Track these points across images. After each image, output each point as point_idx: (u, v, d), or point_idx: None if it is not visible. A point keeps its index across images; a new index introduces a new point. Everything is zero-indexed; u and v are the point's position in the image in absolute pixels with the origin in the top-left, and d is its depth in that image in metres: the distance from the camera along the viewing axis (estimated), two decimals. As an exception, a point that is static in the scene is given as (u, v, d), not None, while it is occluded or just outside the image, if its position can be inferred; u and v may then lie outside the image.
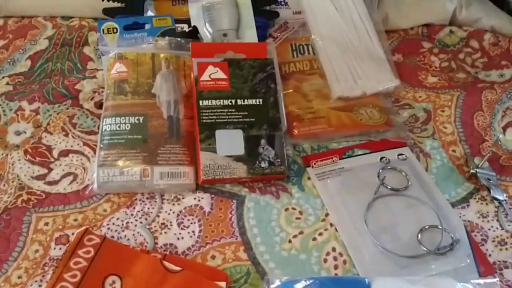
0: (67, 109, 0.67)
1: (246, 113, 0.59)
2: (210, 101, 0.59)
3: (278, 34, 0.74)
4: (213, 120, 0.58)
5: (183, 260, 0.50)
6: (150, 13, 0.72)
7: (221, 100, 0.59)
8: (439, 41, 0.79)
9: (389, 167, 0.60)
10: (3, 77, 0.73)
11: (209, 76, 0.60)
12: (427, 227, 0.54)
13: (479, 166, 0.60)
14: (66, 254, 0.47)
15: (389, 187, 0.58)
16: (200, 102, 0.59)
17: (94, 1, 0.77)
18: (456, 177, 0.60)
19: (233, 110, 0.59)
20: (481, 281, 0.48)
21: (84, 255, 0.47)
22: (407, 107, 0.69)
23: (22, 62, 0.75)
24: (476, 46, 0.78)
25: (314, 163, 0.60)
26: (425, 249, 0.52)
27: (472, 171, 0.60)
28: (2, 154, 0.62)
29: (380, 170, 0.59)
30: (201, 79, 0.60)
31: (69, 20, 0.82)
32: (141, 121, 0.58)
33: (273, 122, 0.60)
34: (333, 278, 0.49)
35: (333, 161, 0.60)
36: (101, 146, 0.57)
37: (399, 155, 0.62)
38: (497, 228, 0.55)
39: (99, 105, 0.65)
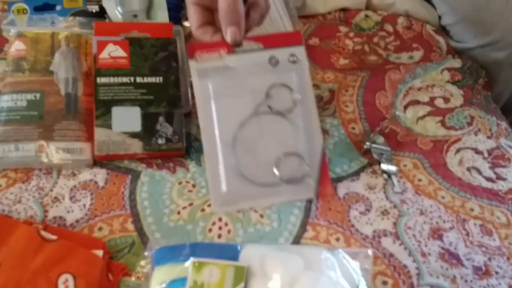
0: (-23, 88, 0.68)
1: (144, 90, 0.60)
2: (108, 78, 0.60)
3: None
4: (110, 97, 0.59)
5: (62, 230, 0.51)
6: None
7: (120, 78, 0.60)
8: (355, 25, 0.81)
9: (279, 82, 0.56)
10: None
11: (109, 54, 0.61)
12: (289, 154, 0.55)
13: (373, 141, 0.62)
14: None
15: (270, 105, 0.55)
16: (98, 79, 0.60)
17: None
18: (352, 153, 0.62)
19: (131, 88, 0.60)
20: (352, 250, 0.50)
21: (-39, 224, 0.48)
22: (314, 88, 0.70)
23: None
24: (390, 30, 0.80)
25: (199, 55, 0.55)
26: (277, 176, 0.54)
27: (366, 146, 0.62)
28: None
29: (268, 89, 0.55)
30: (100, 56, 0.61)
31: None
32: (37, 98, 0.59)
33: (172, 100, 0.61)
34: (208, 243, 0.51)
35: (220, 55, 0.55)
36: (-3, 123, 0.58)
37: (290, 55, 0.57)
38: (382, 199, 0.57)
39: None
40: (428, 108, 0.67)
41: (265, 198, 0.55)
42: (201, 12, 0.55)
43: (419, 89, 0.70)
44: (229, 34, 0.52)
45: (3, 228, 0.48)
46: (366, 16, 0.81)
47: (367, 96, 0.69)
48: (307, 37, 0.79)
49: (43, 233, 0.48)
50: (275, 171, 0.54)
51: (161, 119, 0.60)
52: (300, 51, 0.58)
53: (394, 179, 0.59)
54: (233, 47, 0.54)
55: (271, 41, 0.57)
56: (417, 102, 0.68)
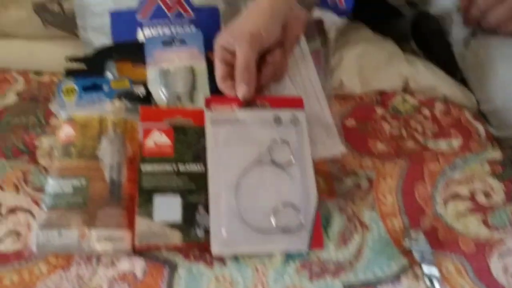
0: (23, 164, 0.69)
1: (186, 179, 0.61)
2: (152, 166, 0.61)
3: (234, 97, 0.77)
4: (153, 186, 0.60)
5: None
6: (110, 75, 0.76)
7: (163, 165, 0.61)
8: (392, 108, 0.81)
9: (280, 138, 0.63)
10: (-31, 130, 0.76)
11: (154, 142, 0.63)
12: (286, 205, 0.60)
13: (414, 239, 0.61)
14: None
15: (271, 158, 0.62)
16: (142, 167, 0.61)
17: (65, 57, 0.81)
18: (391, 250, 0.61)
19: (173, 176, 0.61)
20: None
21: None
22: (351, 175, 0.70)
23: (-11, 116, 0.79)
24: (428, 115, 0.80)
25: (214, 107, 0.63)
26: (273, 224, 0.58)
27: (406, 245, 0.61)
28: (-48, 210, 0.64)
29: (271, 142, 0.63)
30: (146, 144, 0.62)
31: (41, 75, 0.86)
32: (83, 184, 0.60)
33: (212, 189, 0.61)
34: None
35: (232, 109, 0.63)
36: (43, 207, 0.59)
37: (292, 117, 0.65)
38: (424, 307, 0.56)
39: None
40: (469, 204, 0.66)
41: (262, 245, 0.59)
42: (224, 67, 0.64)
43: (459, 181, 0.69)
44: (239, 91, 0.62)
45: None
46: (403, 99, 0.82)
47: (406, 187, 0.68)
48: (344, 118, 0.79)
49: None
50: (272, 219, 0.59)
51: (200, 208, 0.60)
52: (301, 115, 0.66)
53: (437, 285, 0.57)
54: (243, 102, 0.64)
55: (277, 103, 0.66)
56: (457, 196, 0.67)
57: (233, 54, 0.63)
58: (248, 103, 0.64)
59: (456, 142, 0.76)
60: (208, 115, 0.63)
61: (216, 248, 0.57)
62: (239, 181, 0.60)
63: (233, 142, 0.62)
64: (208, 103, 0.64)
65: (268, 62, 0.65)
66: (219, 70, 0.64)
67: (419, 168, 0.71)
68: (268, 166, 0.62)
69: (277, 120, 0.65)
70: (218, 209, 0.59)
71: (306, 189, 0.62)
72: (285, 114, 0.66)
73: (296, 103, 0.67)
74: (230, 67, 0.64)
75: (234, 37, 0.62)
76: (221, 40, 0.64)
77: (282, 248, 0.59)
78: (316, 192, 0.62)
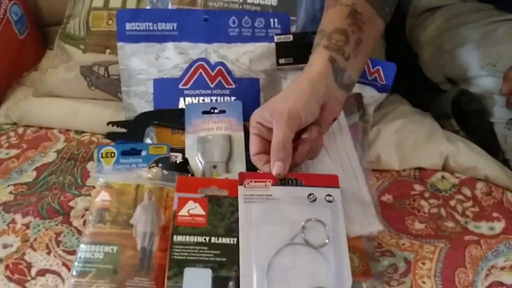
0: (56, 225, 0.70)
1: (218, 252, 0.60)
2: (184, 237, 0.60)
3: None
4: (184, 257, 0.59)
5: None
6: (149, 140, 0.77)
7: (195, 237, 0.61)
8: (431, 185, 0.79)
9: (315, 217, 0.62)
10: (8, 185, 0.78)
11: (188, 212, 0.62)
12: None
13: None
14: None
15: (305, 238, 0.60)
16: (175, 237, 0.60)
17: (106, 119, 0.84)
18: None
19: (205, 248, 0.60)
20: None
21: None
22: (388, 254, 0.68)
23: (29, 173, 0.80)
24: (468, 194, 0.77)
25: (248, 183, 0.63)
26: None
27: (446, 336, 0.57)
28: (-14, 268, 0.64)
29: (305, 222, 0.61)
30: (179, 214, 0.62)
31: (81, 135, 0.88)
32: (114, 251, 0.59)
33: (244, 264, 0.60)
34: None
35: (266, 185, 0.63)
36: (73, 273, 0.59)
37: (327, 195, 0.64)
38: None
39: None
40: (513, 293, 0.63)
41: None
42: (259, 142, 0.64)
43: (502, 268, 0.66)
44: (274, 168, 0.61)
45: None
46: (443, 177, 0.80)
47: (446, 273, 0.65)
48: (380, 193, 0.78)
49: None
50: None
51: (231, 284, 0.58)
52: (336, 193, 0.65)
53: None
54: (278, 179, 0.63)
55: (312, 180, 0.65)
56: (500, 284, 0.64)
57: (269, 130, 0.63)
58: (282, 179, 0.64)
59: (498, 226, 0.72)
60: (241, 191, 0.62)
61: None
62: (271, 262, 0.58)
63: (266, 220, 0.61)
64: (242, 178, 0.64)
65: (304, 139, 0.64)
66: (254, 144, 0.64)
67: (460, 252, 0.67)
68: (301, 247, 0.60)
69: (311, 198, 0.64)
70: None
71: (340, 271, 0.59)
72: (320, 192, 0.64)
73: (331, 181, 0.66)
74: (265, 142, 0.63)
75: (272, 115, 0.62)
76: (258, 116, 0.64)
77: None
78: (351, 276, 0.59)
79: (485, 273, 0.65)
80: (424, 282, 0.64)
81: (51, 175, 0.80)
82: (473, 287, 0.63)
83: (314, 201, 0.64)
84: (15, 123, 0.92)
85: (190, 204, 0.63)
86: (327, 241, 0.60)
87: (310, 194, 0.64)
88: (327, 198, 0.64)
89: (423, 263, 0.66)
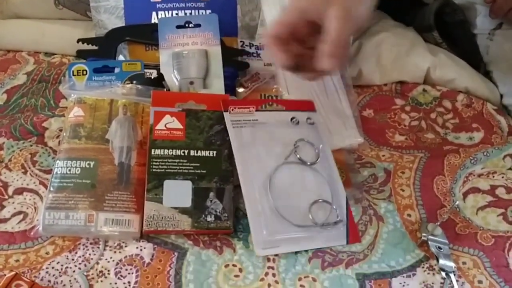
0: (31, 146, 0.68)
1: (197, 164, 0.59)
2: (162, 150, 0.59)
3: (249, 84, 0.75)
4: (163, 170, 0.58)
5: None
6: (121, 57, 0.74)
7: (174, 150, 0.60)
8: (412, 99, 0.78)
9: (305, 139, 0.64)
10: (-22, 110, 0.75)
11: (165, 126, 0.61)
12: (320, 200, 0.60)
13: (431, 232, 0.58)
14: (-9, 299, 0.47)
15: (298, 156, 0.62)
16: (152, 151, 0.59)
17: (77, 38, 0.80)
18: (407, 243, 0.59)
19: (184, 161, 0.59)
20: None
21: (9, 301, 0.47)
22: (368, 166, 0.68)
23: (-1, 96, 0.77)
24: (449, 107, 0.77)
25: (232, 109, 0.63)
26: (312, 220, 0.58)
27: (423, 238, 0.58)
28: (-39, 188, 0.63)
29: (296, 142, 0.63)
30: (156, 128, 0.61)
31: (51, 57, 0.85)
32: (91, 166, 0.58)
33: (224, 175, 0.60)
34: None
35: (250, 111, 0.63)
36: (51, 188, 0.58)
37: (308, 118, 0.66)
38: (440, 302, 0.53)
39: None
40: (489, 198, 0.64)
41: (302, 243, 0.57)
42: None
43: (479, 175, 0.67)
44: (329, 64, 0.54)
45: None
46: (424, 90, 0.79)
47: (425, 180, 0.66)
48: (361, 108, 0.77)
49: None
50: (310, 216, 0.58)
51: (211, 195, 0.58)
52: (315, 116, 0.67)
53: (453, 278, 0.55)
54: (260, 105, 0.64)
55: (291, 105, 0.67)
56: (477, 190, 0.65)
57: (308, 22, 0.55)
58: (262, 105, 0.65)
59: (477, 135, 0.73)
60: (227, 117, 0.62)
61: (259, 250, 0.55)
62: (271, 180, 0.59)
63: (258, 142, 0.62)
64: (225, 105, 0.63)
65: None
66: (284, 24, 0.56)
67: (439, 161, 0.68)
68: (296, 165, 0.62)
69: (294, 121, 0.65)
70: (256, 210, 0.57)
71: (333, 184, 0.61)
72: (301, 115, 0.66)
73: (308, 105, 0.68)
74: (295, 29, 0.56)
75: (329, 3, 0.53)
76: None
77: (323, 245, 0.57)
78: (343, 188, 0.61)
79: (463, 180, 0.66)
80: (403, 190, 0.65)
81: (22, 97, 0.77)
82: (451, 193, 0.65)
83: (298, 124, 0.65)
84: (-19, 47, 0.88)
85: (167, 118, 0.61)
86: (316, 158, 0.62)
87: (292, 118, 0.65)
88: (308, 121, 0.66)
89: (403, 172, 0.67)
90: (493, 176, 0.66)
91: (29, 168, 0.65)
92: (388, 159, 0.69)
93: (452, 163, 0.68)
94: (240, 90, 0.75)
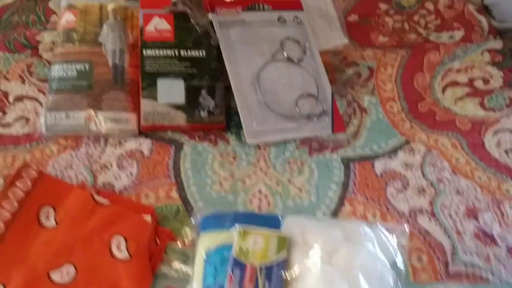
0: (26, 58, 0.70)
1: (188, 64, 0.62)
2: (153, 50, 0.62)
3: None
4: (156, 70, 0.61)
5: (114, 195, 0.53)
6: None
7: (165, 50, 0.62)
8: (396, 3, 0.80)
9: (291, 37, 0.65)
10: (-31, 28, 0.76)
11: (154, 27, 0.63)
12: (306, 95, 0.62)
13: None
14: (5, 184, 0.51)
15: (285, 54, 0.64)
16: (144, 51, 0.62)
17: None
18: (390, 131, 0.63)
19: (175, 61, 0.62)
20: (390, 225, 0.51)
21: (21, 185, 0.51)
22: (352, 65, 0.71)
23: (-11, 14, 0.78)
24: (431, 9, 0.79)
25: (219, 10, 0.64)
26: (298, 112, 0.61)
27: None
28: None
29: (284, 39, 0.65)
30: (146, 29, 0.63)
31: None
32: (86, 68, 0.61)
33: (214, 74, 0.62)
34: (250, 213, 0.53)
35: (237, 11, 0.65)
36: (50, 91, 0.60)
37: (295, 17, 0.68)
38: (419, 178, 0.58)
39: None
40: (467, 89, 0.67)
41: (290, 132, 0.61)
42: None
43: (458, 70, 0.70)
44: None
45: (60, 191, 0.51)
46: (407, -7, 0.81)
47: (406, 77, 0.69)
48: (346, 14, 0.79)
49: (97, 197, 0.51)
50: (296, 108, 0.61)
51: (203, 92, 0.61)
52: (302, 15, 0.68)
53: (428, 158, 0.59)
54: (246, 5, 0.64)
55: (278, 5, 0.68)
56: (456, 84, 0.68)
57: None
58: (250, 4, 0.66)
59: (458, 34, 0.75)
60: (214, 18, 0.64)
61: (250, 139, 0.59)
62: (259, 76, 0.62)
63: (245, 41, 0.63)
64: (212, 6, 0.64)
65: None
66: None
67: (419, 58, 0.71)
68: (282, 62, 0.64)
69: (281, 20, 0.66)
70: (245, 104, 0.60)
71: (319, 79, 0.64)
72: (288, 15, 0.67)
73: (295, 4, 0.69)
74: None
75: None
76: None
77: (309, 134, 0.61)
78: (329, 84, 0.64)
79: (442, 75, 0.69)
80: (385, 84, 0.68)
81: (13, 15, 0.78)
82: (430, 88, 0.68)
83: (285, 23, 0.67)
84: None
85: (156, 19, 0.63)
86: (303, 56, 0.65)
87: (279, 17, 0.66)
88: (295, 20, 0.67)
89: (385, 69, 0.70)
90: (471, 70, 0.70)
91: (27, 78, 0.67)
92: (371, 58, 0.72)
93: (432, 60, 0.71)
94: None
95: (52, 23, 0.75)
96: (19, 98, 0.65)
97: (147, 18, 0.63)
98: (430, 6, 0.79)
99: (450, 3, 0.79)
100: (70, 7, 0.64)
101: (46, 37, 0.73)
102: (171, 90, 0.60)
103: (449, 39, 0.75)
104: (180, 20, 0.64)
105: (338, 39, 0.72)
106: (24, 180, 0.52)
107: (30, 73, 0.68)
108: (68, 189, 0.52)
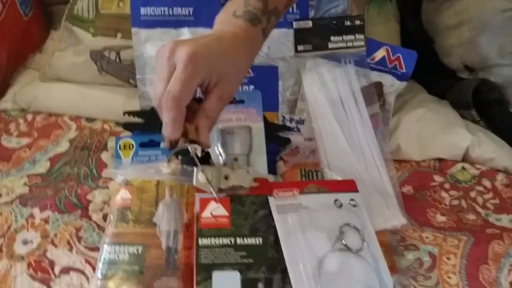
0: (76, 220, 0.69)
1: (244, 253, 0.59)
2: (209, 239, 0.59)
3: (289, 158, 0.76)
4: (211, 261, 0.58)
5: None
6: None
7: (221, 239, 0.60)
8: (451, 176, 0.78)
9: (351, 225, 0.63)
10: (21, 176, 0.76)
11: (211, 213, 0.61)
12: None
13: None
14: None
15: (344, 243, 0.61)
16: (200, 240, 0.59)
17: (118, 105, 0.81)
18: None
19: (231, 250, 0.59)
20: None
21: None
22: (412, 248, 0.68)
23: (42, 163, 0.79)
24: (489, 186, 0.77)
25: (277, 193, 0.63)
26: None
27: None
28: (7, 265, 0.63)
29: (342, 227, 0.62)
30: (202, 216, 0.61)
31: (92, 122, 0.86)
32: (139, 252, 0.59)
33: (271, 264, 0.59)
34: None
35: (294, 194, 0.64)
36: (99, 276, 0.58)
37: (350, 200, 0.65)
38: None
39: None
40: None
41: None
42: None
43: (524, 263, 0.66)
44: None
45: None
46: (463, 168, 0.79)
47: (470, 269, 0.65)
48: (400, 184, 0.77)
49: None
50: None
51: (260, 285, 0.58)
52: (357, 197, 0.66)
53: None
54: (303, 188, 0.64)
55: (333, 186, 0.67)
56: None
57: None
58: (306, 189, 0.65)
59: (518, 218, 0.72)
60: (272, 201, 0.63)
61: None
62: (319, 270, 0.59)
63: (303, 229, 0.61)
64: (270, 189, 0.64)
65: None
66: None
67: (483, 248, 0.67)
68: (342, 252, 0.61)
69: (338, 204, 0.65)
70: None
71: (379, 272, 0.60)
72: (344, 197, 0.66)
73: (350, 185, 0.67)
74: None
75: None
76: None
77: None
78: (390, 275, 0.60)
79: (508, 269, 0.65)
80: (450, 278, 0.64)
81: (65, 165, 0.78)
82: (497, 283, 0.64)
83: (341, 207, 0.65)
84: (23, 109, 0.90)
85: (212, 204, 0.62)
86: (362, 244, 0.62)
87: (335, 200, 0.65)
88: (351, 202, 0.65)
89: (448, 258, 0.66)
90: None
91: (75, 244, 0.66)
92: (432, 241, 0.68)
93: (496, 251, 0.67)
94: (280, 164, 0.76)
95: (103, 180, 0.75)
96: (66, 270, 0.63)
97: (204, 203, 0.61)
98: (487, 183, 0.77)
99: (508, 182, 0.77)
100: (127, 184, 0.63)
101: (97, 196, 0.72)
102: (227, 285, 0.57)
103: (510, 223, 0.72)
104: (237, 204, 0.62)
105: (396, 219, 0.69)
106: None
107: (79, 239, 0.66)
108: None
